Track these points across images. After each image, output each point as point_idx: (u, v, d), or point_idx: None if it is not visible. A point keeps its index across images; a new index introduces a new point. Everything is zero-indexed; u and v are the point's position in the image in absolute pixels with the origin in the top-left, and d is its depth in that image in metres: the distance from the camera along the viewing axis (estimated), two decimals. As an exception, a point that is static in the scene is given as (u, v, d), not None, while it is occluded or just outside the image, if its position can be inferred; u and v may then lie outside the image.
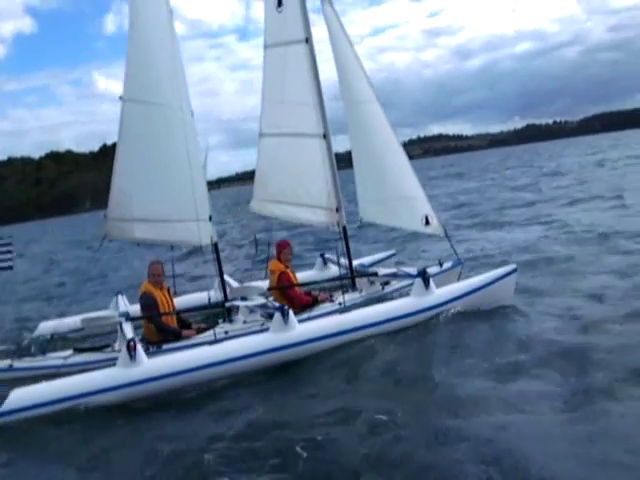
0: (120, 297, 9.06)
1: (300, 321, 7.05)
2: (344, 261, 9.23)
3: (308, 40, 8.66)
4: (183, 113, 7.78)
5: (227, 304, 7.75)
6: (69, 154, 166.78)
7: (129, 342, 6.39)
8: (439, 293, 7.46)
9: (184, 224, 7.91)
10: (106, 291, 12.70)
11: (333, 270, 9.65)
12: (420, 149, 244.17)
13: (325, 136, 8.73)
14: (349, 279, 8.80)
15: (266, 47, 9.15)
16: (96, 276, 14.78)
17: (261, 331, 7.17)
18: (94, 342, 8.06)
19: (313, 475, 4.34)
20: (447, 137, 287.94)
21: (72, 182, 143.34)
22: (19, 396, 6.07)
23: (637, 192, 17.99)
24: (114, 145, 7.92)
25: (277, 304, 7.49)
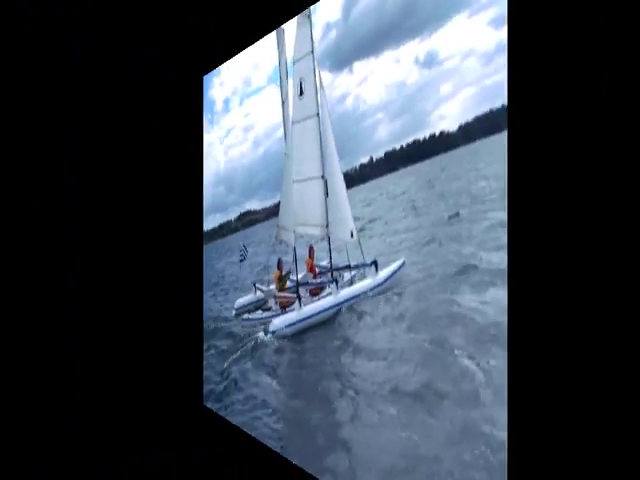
0: (257, 285, 11.14)
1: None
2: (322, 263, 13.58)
3: (318, 114, 13.22)
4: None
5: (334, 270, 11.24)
6: None
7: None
8: (380, 276, 12.58)
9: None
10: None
11: None
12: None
13: (323, 177, 13.23)
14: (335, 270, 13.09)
15: (293, 123, 13.21)
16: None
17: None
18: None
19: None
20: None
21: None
22: (279, 321, 8.79)
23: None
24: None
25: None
